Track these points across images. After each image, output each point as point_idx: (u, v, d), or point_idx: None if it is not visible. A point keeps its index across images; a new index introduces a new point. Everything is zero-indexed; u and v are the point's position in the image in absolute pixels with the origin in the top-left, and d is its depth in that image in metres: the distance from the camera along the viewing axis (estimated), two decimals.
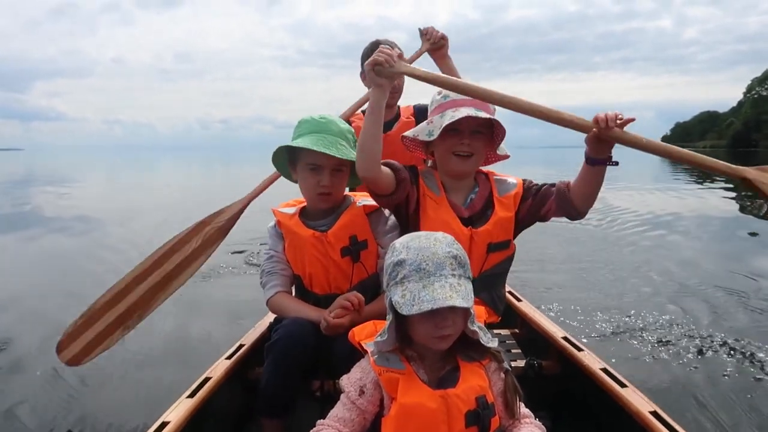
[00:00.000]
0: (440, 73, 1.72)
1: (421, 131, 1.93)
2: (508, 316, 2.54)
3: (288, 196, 2.17)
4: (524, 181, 1.99)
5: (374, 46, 2.84)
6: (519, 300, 2.79)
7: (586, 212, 1.88)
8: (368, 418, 1.37)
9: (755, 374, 3.07)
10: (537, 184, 1.96)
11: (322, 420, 1.37)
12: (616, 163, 1.72)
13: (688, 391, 2.85)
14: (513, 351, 2.29)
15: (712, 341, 3.53)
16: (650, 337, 3.62)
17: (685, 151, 1.69)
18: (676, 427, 1.56)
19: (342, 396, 1.39)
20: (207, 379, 1.89)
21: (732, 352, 3.36)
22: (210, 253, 2.34)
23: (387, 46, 1.74)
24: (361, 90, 2.73)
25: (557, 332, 2.30)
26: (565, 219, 1.94)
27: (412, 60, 2.54)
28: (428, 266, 1.29)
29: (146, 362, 3.22)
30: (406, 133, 1.99)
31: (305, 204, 2.03)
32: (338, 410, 1.37)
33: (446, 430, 1.29)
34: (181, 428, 1.63)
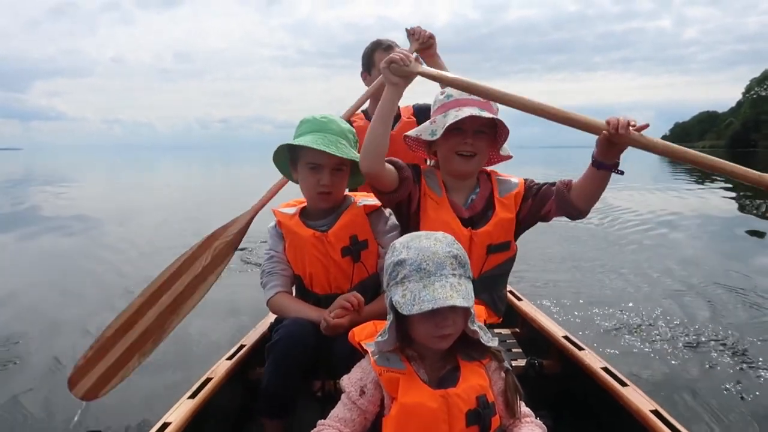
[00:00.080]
0: (454, 74, 1.73)
1: (424, 131, 1.93)
2: (509, 316, 2.54)
3: (288, 196, 2.17)
4: (526, 180, 1.98)
5: (375, 46, 2.84)
6: (519, 299, 2.79)
7: (588, 212, 1.87)
8: (369, 418, 1.37)
9: (756, 373, 3.08)
10: (538, 184, 1.95)
11: (322, 420, 1.37)
12: (622, 173, 1.70)
13: (689, 390, 2.86)
14: (514, 350, 2.29)
15: (713, 340, 3.53)
16: (651, 336, 3.63)
17: (707, 156, 1.57)
18: (678, 425, 1.56)
19: (343, 396, 1.39)
20: (208, 380, 1.89)
21: (733, 351, 3.36)
22: (221, 270, 2.28)
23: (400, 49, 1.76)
24: (361, 90, 2.73)
25: (558, 331, 2.30)
26: (565, 218, 1.94)
27: None
28: (429, 266, 1.29)
29: (147, 363, 3.21)
30: (408, 133, 1.99)
31: (305, 204, 2.03)
32: (339, 410, 1.37)
33: (447, 429, 1.29)
34: (183, 429, 1.63)
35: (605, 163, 1.69)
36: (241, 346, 2.19)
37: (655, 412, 1.62)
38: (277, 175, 2.14)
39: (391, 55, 1.72)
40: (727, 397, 2.78)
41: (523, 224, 1.95)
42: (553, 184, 1.91)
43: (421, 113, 2.68)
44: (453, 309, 1.28)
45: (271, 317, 2.18)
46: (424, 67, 1.78)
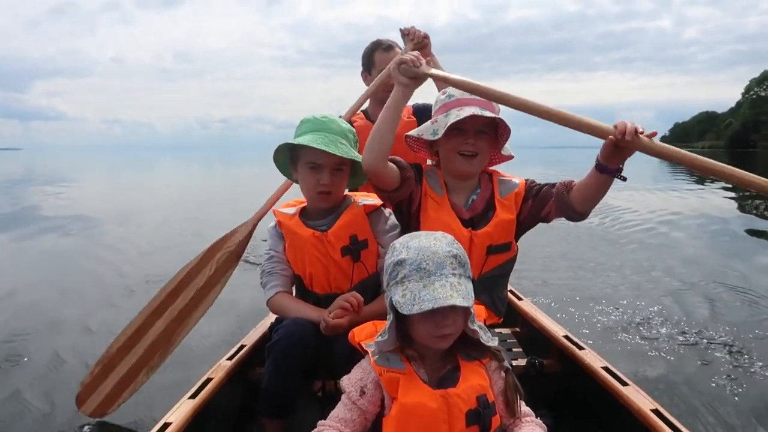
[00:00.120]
0: (463, 77, 1.72)
1: (425, 130, 1.93)
2: (509, 315, 2.54)
3: (288, 196, 2.17)
4: (527, 181, 1.98)
5: (375, 46, 2.84)
6: (520, 299, 2.79)
7: (587, 215, 1.86)
8: (369, 418, 1.37)
9: (758, 372, 3.07)
10: (539, 185, 1.95)
11: (323, 421, 1.37)
12: (624, 179, 1.69)
13: (689, 389, 2.85)
14: (514, 350, 2.29)
15: (714, 340, 3.53)
16: (651, 336, 3.62)
17: (718, 163, 1.49)
18: (678, 425, 1.56)
19: (343, 396, 1.39)
20: (208, 380, 1.90)
21: (734, 350, 3.36)
22: (225, 281, 2.27)
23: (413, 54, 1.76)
24: (361, 90, 2.74)
25: (558, 331, 2.30)
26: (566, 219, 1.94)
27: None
28: (428, 266, 1.29)
29: None
30: (410, 133, 1.99)
31: (305, 204, 2.03)
32: (339, 411, 1.37)
33: (447, 429, 1.29)
34: (183, 429, 1.64)
35: (609, 168, 1.67)
36: (242, 347, 2.20)
37: (656, 412, 1.62)
38: (277, 175, 2.14)
39: (401, 56, 1.73)
40: (729, 397, 2.77)
41: (523, 225, 1.95)
42: (554, 185, 1.90)
43: (421, 113, 2.68)
44: (453, 308, 1.28)
45: (272, 317, 2.18)
46: (434, 70, 1.78)
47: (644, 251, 6.62)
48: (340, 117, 2.05)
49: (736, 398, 2.76)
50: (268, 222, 2.06)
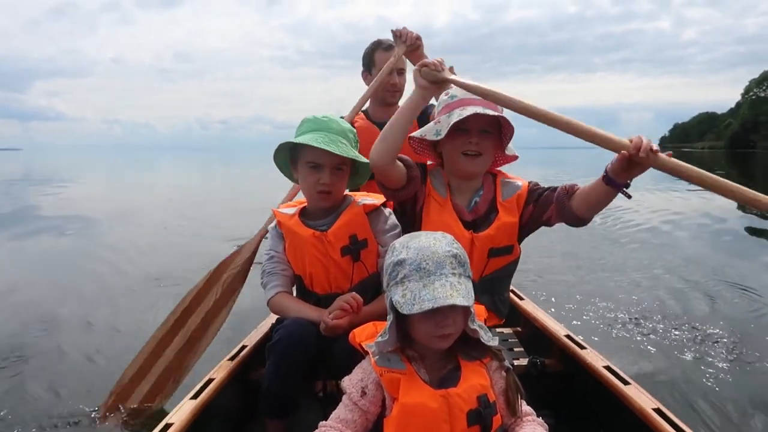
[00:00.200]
0: (480, 84, 1.72)
1: (428, 131, 1.92)
2: (511, 315, 2.54)
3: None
4: (530, 183, 1.97)
5: (376, 46, 2.84)
6: (521, 298, 2.79)
7: (588, 221, 1.84)
8: (370, 418, 1.37)
9: (760, 371, 3.07)
10: (542, 188, 1.94)
11: (324, 422, 1.37)
12: (629, 196, 1.67)
13: (691, 388, 2.85)
14: (515, 349, 2.28)
15: (717, 339, 3.52)
16: (653, 335, 3.62)
17: (738, 186, 1.42)
18: (680, 424, 1.56)
19: (344, 397, 1.39)
20: (210, 381, 1.90)
21: (736, 349, 3.35)
22: (232, 304, 2.29)
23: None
24: (361, 90, 2.74)
25: (560, 330, 2.30)
26: None
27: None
28: (428, 265, 1.29)
29: None
30: (413, 134, 1.98)
31: (305, 204, 2.03)
32: (340, 411, 1.37)
33: (448, 429, 1.29)
34: (185, 429, 1.63)
35: (616, 181, 1.65)
36: (243, 347, 2.19)
37: (658, 411, 1.62)
38: (277, 175, 2.14)
39: (424, 60, 1.77)
40: (730, 396, 2.76)
41: (526, 228, 1.94)
42: (556, 188, 1.89)
43: (421, 114, 2.68)
44: (453, 308, 1.28)
45: (272, 318, 2.18)
46: (455, 76, 1.79)
47: (645, 251, 6.62)
48: (341, 117, 2.05)
49: (738, 397, 2.75)
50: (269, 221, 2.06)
